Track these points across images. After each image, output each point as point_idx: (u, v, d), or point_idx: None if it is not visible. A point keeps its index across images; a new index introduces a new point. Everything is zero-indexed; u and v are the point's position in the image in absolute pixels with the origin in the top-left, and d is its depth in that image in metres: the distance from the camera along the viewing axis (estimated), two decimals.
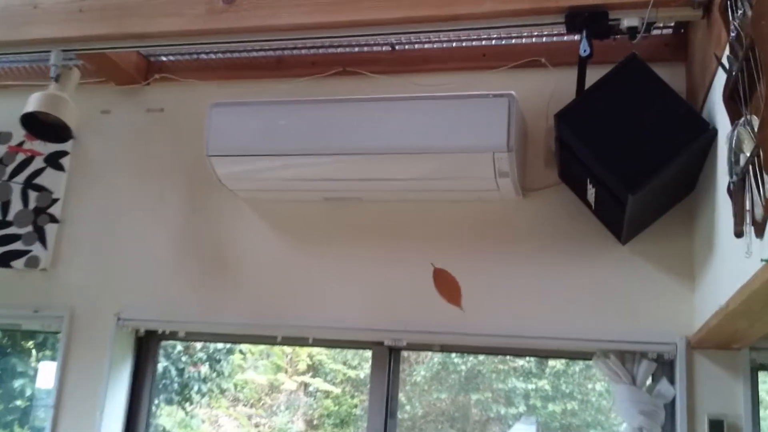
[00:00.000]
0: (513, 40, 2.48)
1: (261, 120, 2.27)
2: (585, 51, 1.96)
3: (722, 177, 1.74)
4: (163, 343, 2.75)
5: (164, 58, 2.76)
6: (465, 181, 2.24)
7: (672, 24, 2.29)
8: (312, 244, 2.49)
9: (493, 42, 2.50)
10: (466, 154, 2.12)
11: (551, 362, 4.87)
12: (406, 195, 2.39)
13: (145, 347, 2.66)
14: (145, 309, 2.56)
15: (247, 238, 2.55)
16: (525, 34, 2.46)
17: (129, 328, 2.58)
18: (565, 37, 2.44)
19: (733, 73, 1.36)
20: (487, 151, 2.09)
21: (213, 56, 2.70)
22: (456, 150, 2.12)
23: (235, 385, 5.87)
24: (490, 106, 2.12)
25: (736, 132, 1.30)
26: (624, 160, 1.83)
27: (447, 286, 2.31)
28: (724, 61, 1.45)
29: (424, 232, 2.40)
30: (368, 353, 2.45)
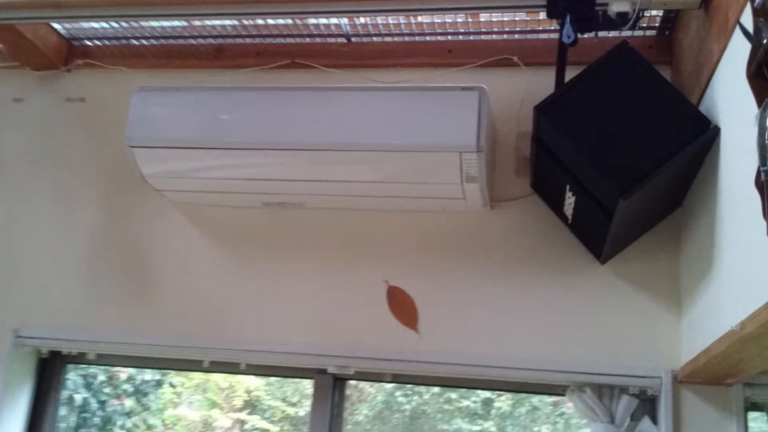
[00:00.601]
0: (482, 36, 2.24)
1: (194, 108, 1.96)
2: (569, 37, 1.72)
3: (727, 180, 1.51)
4: (83, 372, 2.40)
5: (89, 42, 2.43)
6: (427, 187, 1.96)
7: (656, 24, 2.09)
8: (248, 255, 2.17)
9: (460, 37, 2.25)
10: (429, 154, 1.84)
11: (497, 403, 4.62)
12: (358, 202, 2.10)
13: (49, 370, 2.29)
14: (49, 326, 2.19)
15: (174, 247, 2.22)
16: (495, 29, 2.22)
17: (29, 348, 2.21)
18: (540, 35, 2.22)
19: (764, 41, 1.12)
20: (454, 150, 1.82)
21: (144, 42, 2.38)
22: (418, 148, 1.84)
23: (164, 422, 5.43)
24: (459, 100, 1.86)
25: None
26: (614, 160, 1.58)
27: (402, 306, 2.02)
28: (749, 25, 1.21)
29: (377, 245, 2.11)
30: (310, 389, 2.13)
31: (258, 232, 2.18)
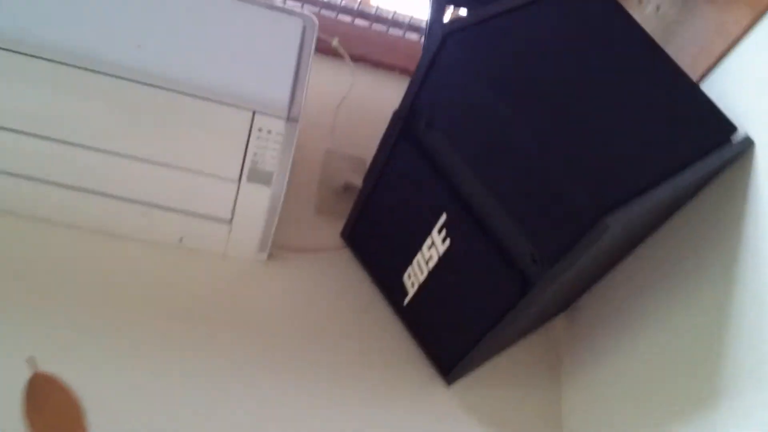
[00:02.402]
0: (287, 1, 1.42)
1: None
2: None
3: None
4: None
5: None
6: (166, 176, 0.98)
7: None
8: None
9: None
10: (192, 101, 0.89)
11: None
12: (16, 193, 1.03)
13: None
14: None
15: None
16: None
17: None
18: (374, 25, 1.46)
19: None
20: (244, 106, 0.90)
21: None
22: (171, 85, 0.88)
23: None
24: (271, 25, 0.97)
25: None
26: (590, 156, 0.78)
27: (54, 414, 0.94)
28: None
29: (26, 290, 1.03)
30: None
31: None
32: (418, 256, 1.03)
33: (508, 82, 0.80)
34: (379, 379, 1.10)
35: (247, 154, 0.94)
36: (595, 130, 0.80)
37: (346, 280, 1.16)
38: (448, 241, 0.96)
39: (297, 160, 1.26)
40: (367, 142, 1.30)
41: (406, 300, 1.10)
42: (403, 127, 0.95)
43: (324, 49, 1.38)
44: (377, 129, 1.31)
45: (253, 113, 0.90)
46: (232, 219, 1.03)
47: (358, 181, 1.23)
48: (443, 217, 0.95)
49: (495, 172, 0.85)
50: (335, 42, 1.37)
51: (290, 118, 0.92)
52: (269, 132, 0.92)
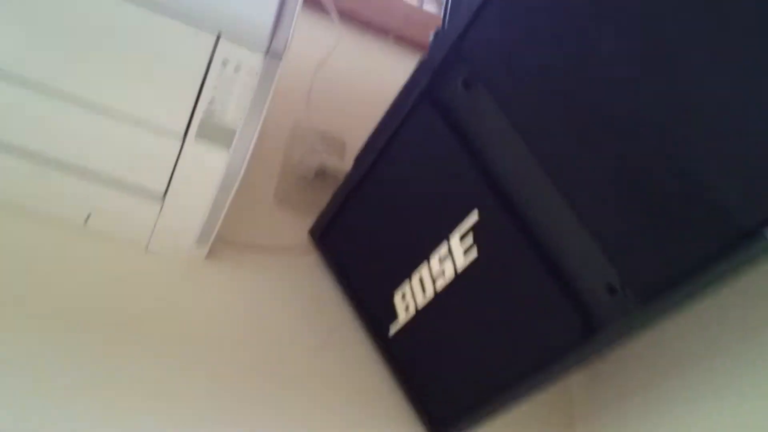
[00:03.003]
0: None
1: None
2: None
3: None
4: None
5: None
6: (71, 115, 0.67)
7: None
8: None
9: None
10: (137, 11, 0.59)
11: None
12: None
13: None
14: None
15: None
16: None
17: None
18: None
19: None
20: (206, 24, 0.60)
21: None
22: None
23: None
24: None
25: None
26: (734, 147, 0.52)
27: None
28: None
29: None
30: None
31: None
32: (422, 270, 0.75)
33: (618, 28, 0.54)
34: (345, 428, 0.80)
35: (201, 97, 0.64)
36: (737, 109, 0.55)
37: (311, 293, 0.87)
38: (473, 252, 0.68)
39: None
40: (348, 120, 1.02)
41: (395, 328, 0.82)
42: (430, 84, 0.67)
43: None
44: (361, 104, 1.03)
45: (218, 36, 0.61)
46: (165, 193, 0.72)
47: (335, 165, 0.94)
48: (472, 217, 0.67)
49: (570, 157, 0.58)
50: None
51: (271, 53, 0.62)
52: (237, 69, 0.63)
